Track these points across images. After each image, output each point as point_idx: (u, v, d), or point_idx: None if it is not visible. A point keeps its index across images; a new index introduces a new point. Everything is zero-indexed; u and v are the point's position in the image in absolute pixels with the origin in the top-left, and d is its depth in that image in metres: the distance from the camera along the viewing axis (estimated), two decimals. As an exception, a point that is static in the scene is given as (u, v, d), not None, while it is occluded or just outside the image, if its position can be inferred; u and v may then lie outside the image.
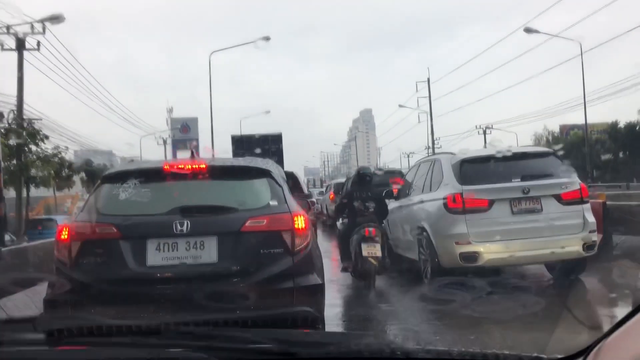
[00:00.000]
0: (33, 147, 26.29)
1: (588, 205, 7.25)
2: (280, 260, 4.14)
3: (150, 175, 4.64)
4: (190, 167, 4.49)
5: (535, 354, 1.49)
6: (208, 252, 4.11)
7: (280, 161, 19.90)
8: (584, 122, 38.12)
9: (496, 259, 7.00)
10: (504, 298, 6.46)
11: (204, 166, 4.52)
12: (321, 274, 4.46)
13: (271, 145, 22.78)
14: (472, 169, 7.40)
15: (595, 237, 7.12)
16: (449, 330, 4.92)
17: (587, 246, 6.99)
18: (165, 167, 4.61)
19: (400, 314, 6.86)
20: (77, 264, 4.08)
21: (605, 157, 48.23)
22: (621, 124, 49.36)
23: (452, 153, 8.03)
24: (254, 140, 23.26)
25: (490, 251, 6.93)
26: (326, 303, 4.58)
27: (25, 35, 24.66)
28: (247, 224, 4.16)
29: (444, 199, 7.29)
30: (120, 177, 4.59)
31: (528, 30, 32.91)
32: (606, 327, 1.33)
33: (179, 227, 4.09)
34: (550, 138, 60.20)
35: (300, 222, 4.25)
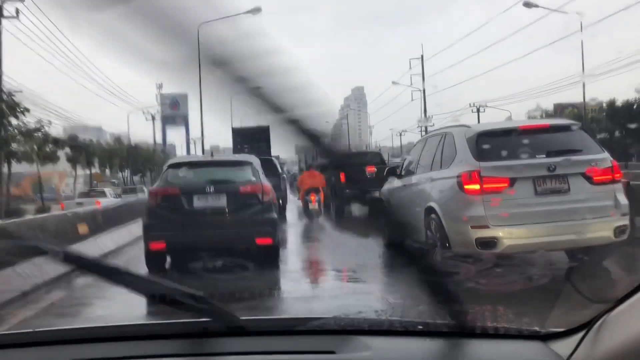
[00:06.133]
0: (14, 121, 25.21)
1: (620, 185, 6.46)
2: (256, 206, 7.94)
3: (193, 164, 9.06)
4: (213, 160, 9.42)
5: (535, 328, 1.50)
6: (222, 201, 7.91)
7: (268, 147, 26.61)
8: (579, 100, 37.25)
9: (517, 245, 6.21)
10: (507, 272, 6.60)
11: (219, 160, 9.61)
12: (277, 213, 8.50)
13: (261, 135, 28.74)
14: (490, 143, 6.57)
15: (627, 221, 6.35)
16: (449, 303, 5.31)
17: (619, 231, 6.22)
18: (200, 160, 10.01)
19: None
20: (160, 206, 7.90)
21: (601, 135, 47.57)
22: (618, 103, 48.67)
23: (466, 125, 7.20)
24: (248, 131, 29.54)
25: (511, 236, 6.14)
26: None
27: (3, 2, 23.49)
28: (240, 188, 8.00)
29: (457, 177, 6.47)
30: (178, 164, 8.85)
31: (527, 4, 31.89)
32: (610, 303, 1.31)
33: (208, 189, 7.89)
34: (544, 116, 59.46)
35: (265, 188, 8.11)
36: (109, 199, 25.86)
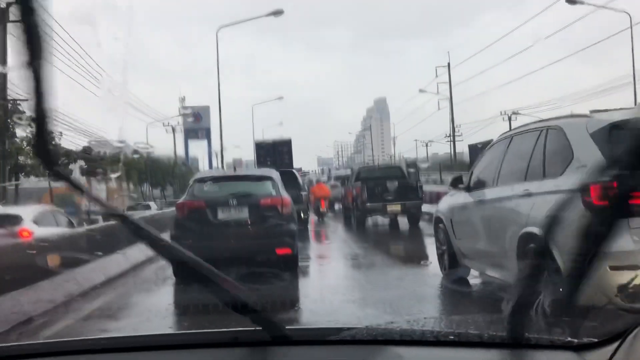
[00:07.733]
0: (21, 133, 23.60)
1: None
2: (276, 218, 8.57)
3: (217, 179, 9.88)
4: (236, 175, 10.15)
5: (568, 338, 1.46)
6: (244, 213, 8.60)
7: (290, 159, 27.97)
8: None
9: (686, 297, 4.01)
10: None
11: (241, 175, 10.25)
12: (295, 224, 8.94)
13: (283, 148, 29.93)
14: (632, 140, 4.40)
15: None
16: (480, 313, 4.80)
17: None
18: (224, 175, 10.74)
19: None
20: (186, 218, 8.57)
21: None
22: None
23: (584, 115, 5.03)
24: (270, 144, 30.85)
25: (676, 283, 3.95)
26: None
27: (8, 5, 21.92)
28: (261, 201, 8.69)
29: (582, 190, 4.29)
30: (204, 179, 9.72)
31: (571, 1, 29.54)
32: None
33: (231, 202, 8.62)
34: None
35: (285, 201, 8.79)
36: (153, 212, 25.81)
